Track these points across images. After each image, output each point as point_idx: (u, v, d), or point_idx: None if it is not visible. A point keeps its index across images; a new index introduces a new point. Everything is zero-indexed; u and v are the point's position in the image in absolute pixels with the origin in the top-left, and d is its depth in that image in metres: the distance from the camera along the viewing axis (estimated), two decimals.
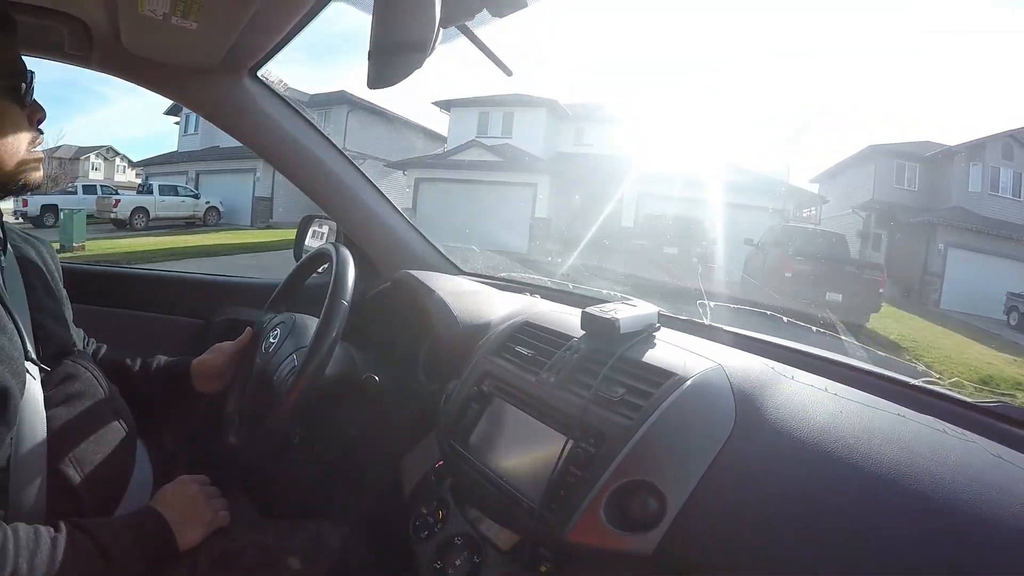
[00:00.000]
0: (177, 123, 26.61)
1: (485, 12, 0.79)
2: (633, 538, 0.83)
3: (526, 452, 1.01)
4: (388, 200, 1.75)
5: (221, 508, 1.06)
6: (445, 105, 21.66)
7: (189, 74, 1.44)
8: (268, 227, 20.14)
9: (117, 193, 20.04)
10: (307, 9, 1.15)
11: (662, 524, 0.82)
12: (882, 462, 0.75)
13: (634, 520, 0.83)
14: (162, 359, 1.32)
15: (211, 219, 21.51)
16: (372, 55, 0.71)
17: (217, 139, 24.23)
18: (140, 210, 19.37)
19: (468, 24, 0.82)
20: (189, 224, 20.56)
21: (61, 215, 15.04)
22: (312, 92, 24.01)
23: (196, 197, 22.00)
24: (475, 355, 1.22)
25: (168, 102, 24.45)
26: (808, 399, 0.92)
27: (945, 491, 0.70)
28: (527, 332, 1.19)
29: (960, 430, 0.84)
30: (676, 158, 17.68)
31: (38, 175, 0.99)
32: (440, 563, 1.06)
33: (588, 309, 1.07)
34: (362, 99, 24.29)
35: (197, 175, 24.55)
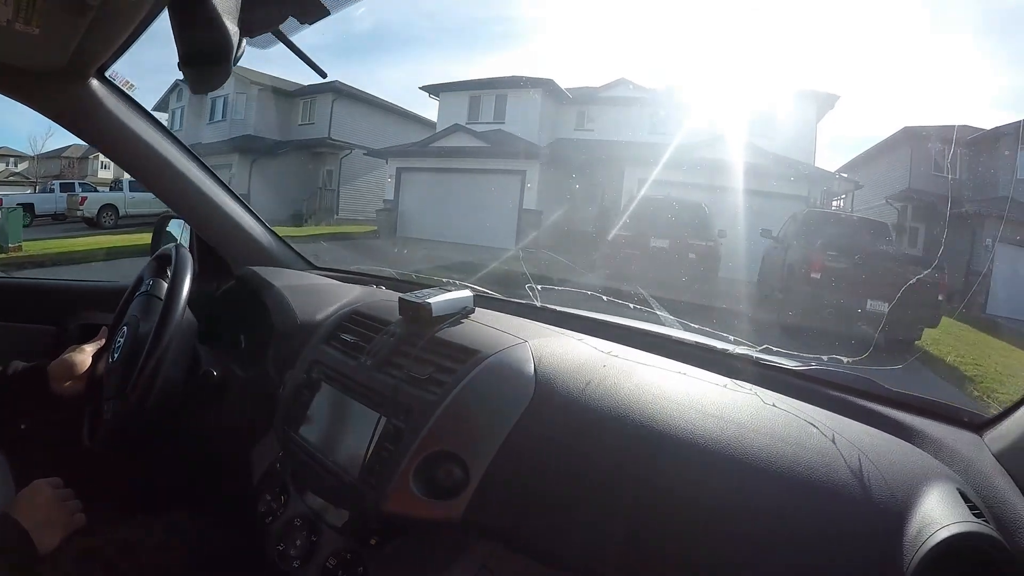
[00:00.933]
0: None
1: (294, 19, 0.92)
2: (441, 505, 0.91)
3: (348, 432, 1.08)
4: (238, 198, 1.80)
5: (77, 510, 1.11)
6: (434, 90, 20.41)
7: (35, 77, 1.44)
8: None
9: (96, 191, 20.31)
10: (148, 9, 1.09)
11: (466, 491, 0.90)
12: (675, 424, 0.86)
13: (441, 488, 0.91)
14: (19, 364, 1.33)
15: None
16: (182, 66, 0.79)
17: (201, 135, 24.05)
18: (108, 207, 19.28)
19: (282, 30, 0.93)
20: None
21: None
22: (305, 84, 23.62)
23: None
24: (308, 345, 1.29)
25: (158, 98, 25.03)
26: (615, 371, 1.00)
27: (734, 446, 0.82)
28: (353, 320, 1.27)
29: (763, 391, 0.96)
30: (688, 137, 15.42)
31: None
32: (282, 545, 1.14)
33: (403, 295, 1.16)
34: (350, 88, 23.60)
35: None
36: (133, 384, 1.20)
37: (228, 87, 23.11)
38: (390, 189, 18.39)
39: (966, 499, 0.78)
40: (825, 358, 1.12)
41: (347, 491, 1.01)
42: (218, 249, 1.82)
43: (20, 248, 12.09)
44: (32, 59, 1.35)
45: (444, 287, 1.24)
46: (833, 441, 0.82)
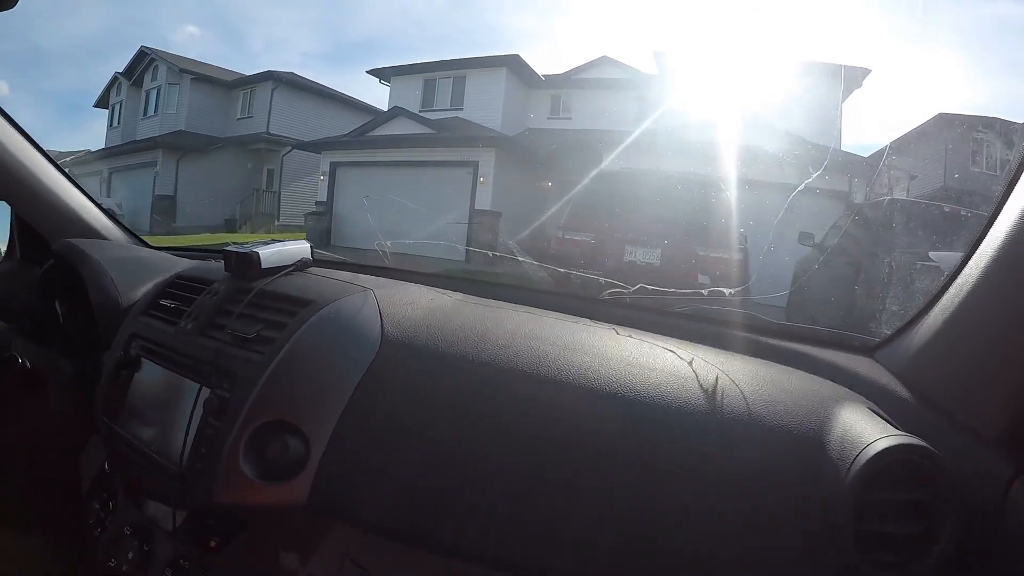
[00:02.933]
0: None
1: None
2: (279, 487, 0.82)
3: (169, 412, 0.98)
4: (61, 169, 1.67)
5: None
6: (383, 74, 18.19)
7: None
8: (170, 233, 16.90)
9: None
10: None
11: (308, 468, 0.82)
12: (534, 360, 0.84)
13: (277, 467, 0.82)
14: None
15: None
16: None
17: (136, 131, 22.41)
18: None
19: None
20: None
21: None
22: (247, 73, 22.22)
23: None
24: (127, 319, 1.20)
25: (99, 92, 24.01)
26: (470, 315, 0.99)
27: (596, 379, 0.80)
28: (175, 285, 1.19)
29: (615, 327, 0.96)
30: (685, 120, 12.66)
31: None
32: (113, 560, 1.04)
33: (228, 246, 1.10)
34: (291, 75, 21.69)
35: (110, 174, 22.37)
36: None
37: (160, 77, 21.62)
38: (324, 189, 16.17)
39: (882, 417, 0.79)
40: (705, 292, 1.11)
41: (174, 485, 0.89)
42: (33, 223, 1.70)
43: None
44: None
45: (278, 240, 1.15)
46: (728, 378, 0.82)
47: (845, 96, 14.23)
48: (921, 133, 14.44)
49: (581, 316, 1.03)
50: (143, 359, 1.09)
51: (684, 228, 6.27)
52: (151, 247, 1.79)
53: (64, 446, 1.36)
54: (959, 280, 0.80)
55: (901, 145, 14.98)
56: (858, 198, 10.87)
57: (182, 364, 1.01)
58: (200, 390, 0.93)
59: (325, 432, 0.82)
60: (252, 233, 18.48)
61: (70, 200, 1.68)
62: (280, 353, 0.88)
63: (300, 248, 1.13)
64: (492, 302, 1.08)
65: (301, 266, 1.12)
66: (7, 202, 1.66)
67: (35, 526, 1.28)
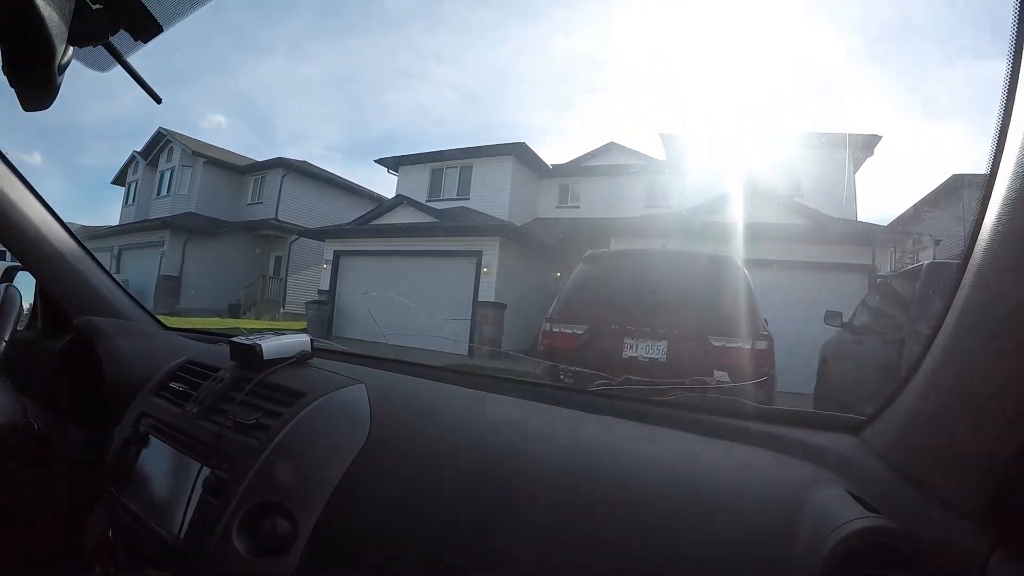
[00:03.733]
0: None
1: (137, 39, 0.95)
2: (269, 563, 0.87)
3: (172, 487, 1.05)
4: (84, 246, 1.77)
5: None
6: (391, 164, 18.39)
7: None
8: (172, 314, 16.70)
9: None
10: None
11: (296, 546, 0.86)
12: (535, 455, 0.88)
13: (268, 544, 0.87)
14: None
15: None
16: (7, 70, 0.76)
17: (150, 210, 23.13)
18: None
19: (117, 48, 0.91)
20: None
21: None
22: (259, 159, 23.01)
23: None
24: (138, 397, 1.29)
25: (116, 170, 26.12)
26: (457, 409, 1.04)
27: (583, 472, 0.83)
28: (184, 369, 1.29)
29: (619, 420, 0.98)
30: (694, 200, 12.46)
31: None
32: None
33: (235, 338, 1.18)
34: (301, 163, 22.41)
35: (120, 251, 22.92)
36: None
37: (175, 159, 22.29)
38: (327, 277, 15.86)
39: (858, 499, 0.78)
40: (687, 381, 1.18)
41: (171, 556, 0.96)
42: (57, 297, 1.77)
43: None
44: None
45: (280, 332, 1.23)
46: (705, 464, 0.85)
47: (857, 165, 13.92)
48: (937, 196, 14.13)
49: (569, 407, 1.04)
50: (151, 436, 1.16)
51: (694, 315, 5.01)
52: (166, 327, 1.91)
53: (71, 509, 1.41)
54: (934, 349, 0.80)
55: (919, 210, 14.65)
56: (883, 269, 10.15)
57: (186, 444, 1.07)
58: (201, 469, 0.98)
59: (313, 513, 0.86)
60: (257, 319, 18.41)
61: (92, 278, 1.77)
62: (275, 440, 0.94)
63: (300, 341, 1.18)
64: (481, 394, 1.12)
65: (301, 358, 1.17)
66: (33, 275, 1.75)
67: None
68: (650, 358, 5.04)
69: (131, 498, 1.12)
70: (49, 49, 0.75)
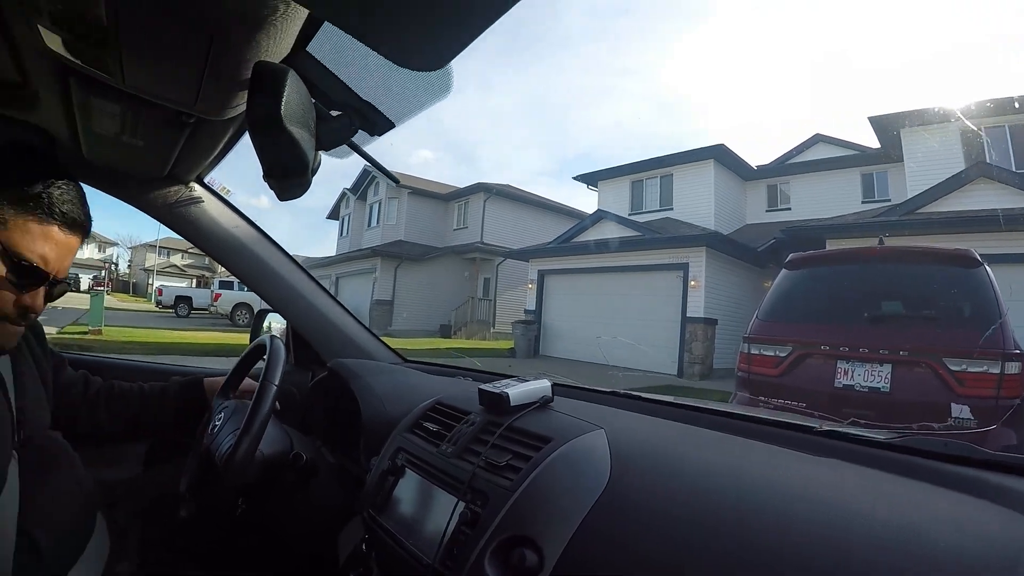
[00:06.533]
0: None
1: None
2: None
3: (428, 516, 1.17)
4: (329, 294, 2.05)
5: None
6: (590, 179, 18.92)
7: (143, 182, 1.75)
8: (386, 335, 18.05)
9: (232, 288, 21.96)
10: (235, 128, 1.37)
11: (542, 575, 0.92)
12: (755, 504, 0.86)
13: (516, 572, 0.94)
14: (177, 380, 1.74)
15: None
16: (267, 179, 0.92)
17: (361, 241, 25.86)
18: (242, 306, 20.85)
19: (354, 141, 1.08)
20: None
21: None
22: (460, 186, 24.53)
23: None
24: (393, 433, 1.46)
25: (330, 207, 29.85)
26: (693, 453, 1.05)
27: (823, 526, 0.78)
28: (437, 410, 1.41)
29: (850, 465, 0.97)
30: (936, 185, 10.74)
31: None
32: None
33: (483, 386, 1.28)
34: (502, 186, 23.56)
35: (337, 278, 25.52)
36: (227, 461, 1.31)
37: (381, 192, 24.27)
38: (532, 297, 16.46)
39: None
40: (915, 426, 1.35)
41: (425, 572, 1.07)
42: (311, 341, 2.02)
43: (100, 332, 13.80)
44: (137, 166, 1.67)
45: (523, 378, 1.33)
46: (931, 515, 0.82)
47: None
48: None
49: (790, 447, 1.07)
50: (406, 468, 1.29)
51: (926, 330, 4.09)
52: (407, 360, 2.14)
53: (326, 525, 1.58)
54: None
55: None
56: None
57: (443, 480, 1.17)
58: (457, 503, 1.08)
59: (558, 548, 0.93)
60: (468, 339, 19.45)
61: (337, 320, 2.04)
62: (525, 482, 1.02)
63: (543, 387, 1.27)
64: (709, 432, 1.17)
65: (543, 403, 1.25)
66: (285, 319, 2.04)
67: None
68: (869, 387, 4.10)
69: (387, 520, 1.25)
70: (302, 161, 0.88)
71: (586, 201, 20.70)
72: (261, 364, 1.53)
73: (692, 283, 12.95)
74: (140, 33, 0.92)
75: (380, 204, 24.64)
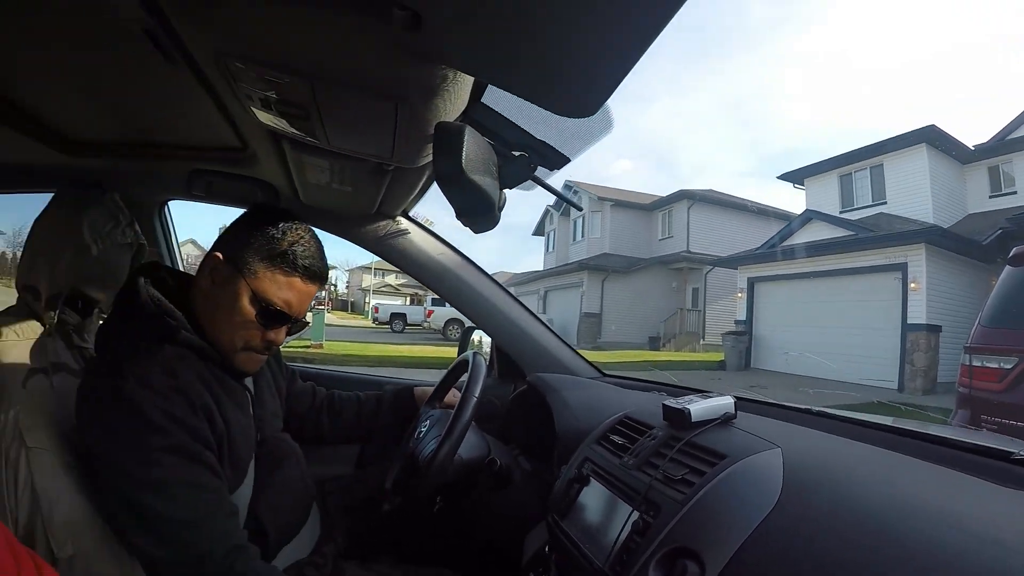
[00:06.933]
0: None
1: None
2: None
3: (605, 523, 1.24)
4: (530, 311, 2.22)
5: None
6: (795, 177, 18.06)
7: (355, 219, 2.03)
8: (596, 348, 19.48)
9: (444, 305, 23.54)
10: (427, 174, 1.56)
11: None
12: (941, 543, 0.79)
13: None
14: (390, 389, 2.00)
15: None
16: (459, 218, 1.07)
17: (568, 255, 26.38)
18: (454, 322, 21.97)
19: (536, 175, 1.21)
20: None
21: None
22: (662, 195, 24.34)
23: None
24: (582, 444, 1.54)
25: (534, 223, 30.58)
26: (876, 481, 1.01)
27: None
28: (623, 424, 1.48)
29: None
30: None
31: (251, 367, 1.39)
32: None
33: (667, 401, 1.32)
34: (706, 192, 23.33)
35: (545, 292, 26.58)
36: (429, 463, 1.47)
37: (584, 206, 24.89)
38: (742, 306, 16.15)
39: None
40: None
41: (597, 574, 1.13)
42: (512, 356, 2.19)
43: (321, 346, 15.74)
44: (349, 207, 1.93)
45: (708, 394, 1.37)
46: None
47: None
48: None
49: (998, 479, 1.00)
50: (591, 478, 1.36)
51: None
52: (604, 374, 2.20)
53: (515, 527, 1.68)
54: None
55: None
56: None
57: (621, 490, 1.23)
58: (631, 512, 1.14)
59: (720, 564, 0.95)
60: (676, 351, 19.45)
61: (538, 336, 2.17)
62: (696, 496, 1.05)
63: (725, 403, 1.30)
64: (901, 457, 1.12)
65: (725, 419, 1.29)
66: (489, 335, 2.21)
67: (475, 570, 1.73)
68: None
69: (569, 525, 1.32)
70: (488, 202, 0.99)
71: (792, 201, 19.76)
72: (465, 377, 1.66)
73: (912, 285, 12.04)
74: (337, 106, 1.08)
75: (583, 218, 25.15)
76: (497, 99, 1.12)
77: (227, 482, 1.29)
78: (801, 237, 15.19)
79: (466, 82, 0.98)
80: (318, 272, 1.37)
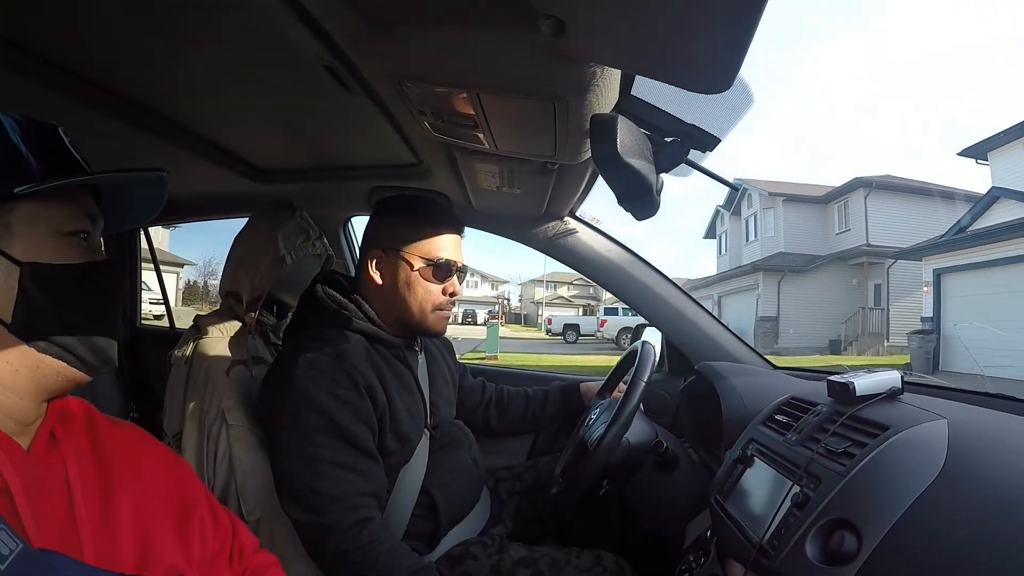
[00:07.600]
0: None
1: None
2: (830, 571, 0.96)
3: (765, 498, 1.24)
4: (697, 302, 2.24)
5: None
6: (978, 152, 15.97)
7: (524, 222, 2.17)
8: (772, 354, 17.69)
9: (617, 314, 23.86)
10: (591, 169, 1.64)
11: (857, 560, 0.94)
12: None
13: (833, 555, 0.97)
14: (557, 384, 2.21)
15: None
16: (621, 203, 1.13)
17: (741, 256, 25.59)
18: (627, 330, 21.66)
19: (691, 159, 1.22)
20: None
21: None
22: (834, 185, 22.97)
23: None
24: (748, 426, 1.53)
25: (705, 226, 30.67)
26: None
27: None
28: (789, 404, 1.47)
29: None
30: None
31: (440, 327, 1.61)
32: None
33: (831, 376, 1.30)
34: (882, 178, 21.54)
35: (719, 297, 25.89)
36: (596, 446, 1.55)
37: (755, 204, 24.09)
38: (929, 302, 14.68)
39: None
40: None
41: (751, 552, 1.12)
42: (680, 347, 2.23)
43: (495, 357, 16.84)
44: (518, 210, 2.05)
45: (873, 369, 1.33)
46: None
47: None
48: None
49: None
50: (755, 458, 1.37)
51: None
52: (773, 366, 2.19)
53: (679, 513, 1.69)
54: None
55: None
56: None
57: (782, 465, 1.23)
58: (791, 487, 1.14)
59: (877, 534, 0.94)
60: (859, 355, 18.26)
61: (707, 328, 2.21)
62: (856, 467, 1.04)
63: (891, 377, 1.27)
64: None
65: (891, 394, 1.26)
66: (659, 329, 2.26)
67: (636, 556, 1.73)
68: None
69: (731, 505, 1.31)
70: (647, 185, 1.04)
71: (976, 179, 17.72)
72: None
73: None
74: (501, 112, 1.18)
75: (755, 217, 24.26)
76: (647, 91, 1.18)
77: (392, 457, 1.52)
78: (989, 219, 13.69)
79: (614, 76, 1.05)
80: (455, 221, 1.59)
